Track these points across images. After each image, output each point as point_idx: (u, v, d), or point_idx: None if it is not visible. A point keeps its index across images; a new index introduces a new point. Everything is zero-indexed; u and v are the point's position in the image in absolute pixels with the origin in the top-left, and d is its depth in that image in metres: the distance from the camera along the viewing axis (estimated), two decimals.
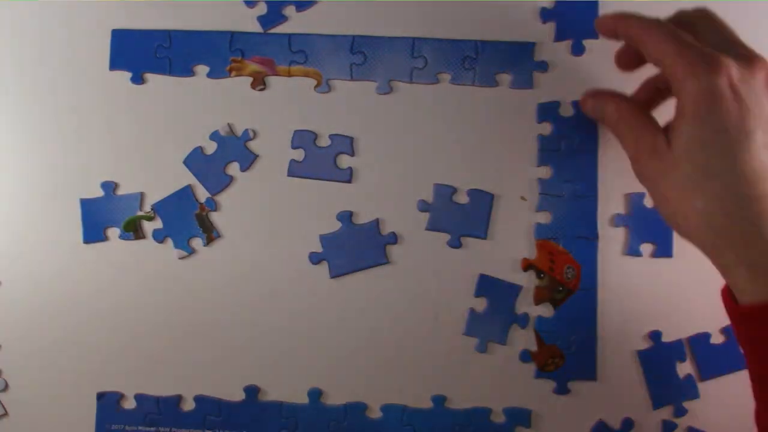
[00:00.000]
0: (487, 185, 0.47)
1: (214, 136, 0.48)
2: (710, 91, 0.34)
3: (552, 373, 0.46)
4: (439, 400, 0.46)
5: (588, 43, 0.48)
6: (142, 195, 0.48)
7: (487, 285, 0.46)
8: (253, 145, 0.48)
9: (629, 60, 0.43)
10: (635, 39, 0.38)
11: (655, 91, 0.44)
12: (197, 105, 0.48)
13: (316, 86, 0.48)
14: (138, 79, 0.48)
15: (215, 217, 0.47)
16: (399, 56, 0.48)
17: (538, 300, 0.47)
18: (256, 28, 0.48)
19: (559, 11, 0.48)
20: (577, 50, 0.48)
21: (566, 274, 0.47)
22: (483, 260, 0.47)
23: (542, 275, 0.47)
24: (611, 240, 0.47)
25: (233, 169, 0.47)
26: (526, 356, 0.46)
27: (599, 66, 0.47)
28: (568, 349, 0.46)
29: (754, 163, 0.34)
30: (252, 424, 0.46)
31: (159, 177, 0.47)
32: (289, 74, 0.48)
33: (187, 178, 0.47)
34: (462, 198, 0.47)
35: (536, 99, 0.47)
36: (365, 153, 0.48)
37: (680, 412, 0.46)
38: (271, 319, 0.47)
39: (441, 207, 0.47)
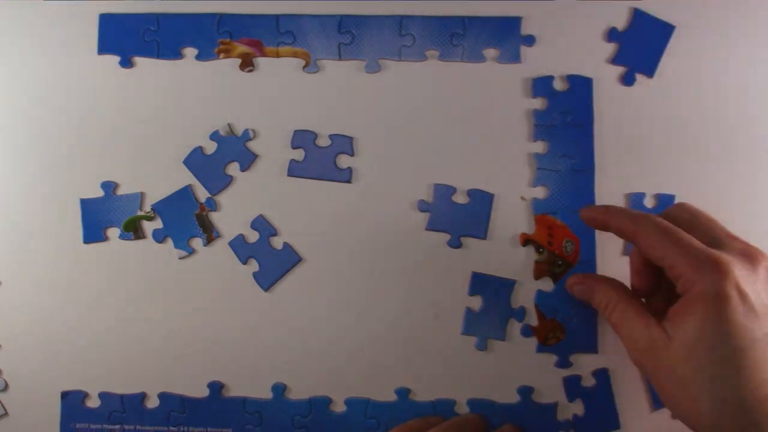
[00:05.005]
0: (486, 184, 0.47)
1: (214, 135, 0.48)
2: (719, 295, 0.34)
3: (553, 347, 0.46)
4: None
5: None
6: (142, 195, 0.48)
7: (480, 282, 0.46)
8: (253, 145, 0.48)
9: (642, 279, 0.42)
10: (628, 235, 0.38)
11: (651, 275, 0.41)
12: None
13: (304, 66, 0.48)
14: (126, 63, 0.48)
15: (215, 217, 0.47)
16: (387, 35, 0.48)
17: (538, 275, 0.47)
18: (243, 9, 0.48)
19: None
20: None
21: (565, 248, 0.47)
22: (483, 260, 0.47)
23: (541, 250, 0.47)
24: (611, 240, 0.47)
25: (233, 169, 0.48)
26: (527, 331, 0.46)
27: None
28: (568, 323, 0.46)
29: (759, 366, 0.33)
30: (216, 419, 0.46)
31: (159, 177, 0.47)
32: (278, 55, 0.48)
33: (187, 178, 0.47)
34: (462, 198, 0.47)
35: (524, 73, 0.48)
36: (365, 153, 0.48)
37: None
38: (264, 319, 0.47)
39: (441, 207, 0.47)
